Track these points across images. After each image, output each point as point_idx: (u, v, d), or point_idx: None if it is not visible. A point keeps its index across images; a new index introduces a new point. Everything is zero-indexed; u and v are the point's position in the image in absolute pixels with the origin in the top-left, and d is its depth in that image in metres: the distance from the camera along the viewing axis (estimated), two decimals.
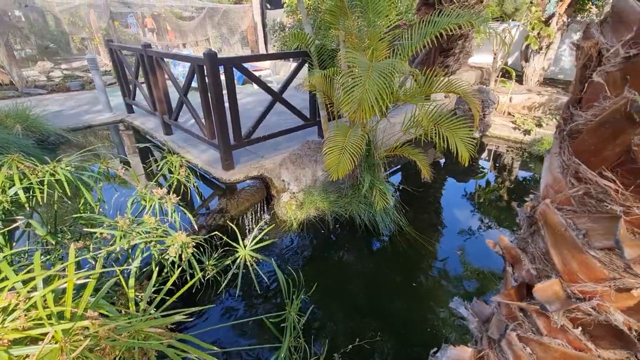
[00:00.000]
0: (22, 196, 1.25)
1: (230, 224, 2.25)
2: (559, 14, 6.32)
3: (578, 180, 0.69)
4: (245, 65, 3.44)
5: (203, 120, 3.61)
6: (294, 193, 3.72)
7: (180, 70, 6.96)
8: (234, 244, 2.02)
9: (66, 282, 0.76)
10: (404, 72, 2.90)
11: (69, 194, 1.34)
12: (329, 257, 3.29)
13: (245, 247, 2.01)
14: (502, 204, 4.42)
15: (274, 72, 9.53)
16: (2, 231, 1.22)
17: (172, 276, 1.27)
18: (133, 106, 5.56)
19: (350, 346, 1.90)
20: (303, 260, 3.20)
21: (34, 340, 0.70)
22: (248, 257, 1.99)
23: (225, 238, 2.03)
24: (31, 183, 1.30)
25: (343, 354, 1.83)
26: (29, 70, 9.26)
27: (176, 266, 1.52)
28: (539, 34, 6.39)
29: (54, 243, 1.35)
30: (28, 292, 0.77)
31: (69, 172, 1.44)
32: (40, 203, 1.30)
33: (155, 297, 1.11)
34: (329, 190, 3.74)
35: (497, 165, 5.54)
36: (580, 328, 0.71)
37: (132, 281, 1.04)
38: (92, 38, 9.62)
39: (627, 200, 0.61)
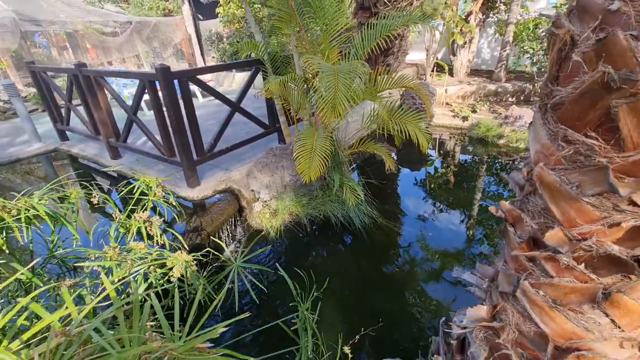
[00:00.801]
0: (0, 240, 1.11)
1: (215, 239, 2.18)
2: (475, 11, 7.11)
3: (567, 142, 0.84)
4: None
5: (159, 139, 3.42)
6: (265, 201, 3.69)
7: (127, 92, 6.47)
8: (225, 259, 1.97)
9: (112, 311, 0.71)
10: (364, 73, 3.06)
11: (52, 228, 1.21)
12: (314, 258, 3.34)
13: (235, 260, 1.98)
14: (453, 185, 4.83)
15: (217, 84, 9.28)
16: None
17: (174, 296, 1.22)
18: (67, 132, 5.03)
19: (357, 337, 1.97)
20: (291, 265, 3.20)
21: None
22: (240, 270, 1.96)
23: (216, 253, 1.97)
24: (5, 222, 1.16)
25: (352, 346, 1.89)
26: None
27: (177, 287, 1.46)
28: (461, 30, 7.12)
29: (40, 284, 1.21)
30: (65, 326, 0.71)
31: (44, 206, 1.30)
32: (21, 242, 1.16)
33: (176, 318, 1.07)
34: (300, 194, 3.78)
35: (445, 151, 6.05)
36: (583, 264, 0.87)
37: (157, 305, 0.99)
38: None
39: (609, 153, 0.77)
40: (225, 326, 1.01)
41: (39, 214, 1.29)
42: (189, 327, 1.02)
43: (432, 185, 4.91)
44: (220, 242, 2.12)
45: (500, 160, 5.47)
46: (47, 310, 0.93)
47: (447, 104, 7.06)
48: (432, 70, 7.59)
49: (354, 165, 5.27)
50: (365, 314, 2.54)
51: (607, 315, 0.88)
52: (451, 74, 7.92)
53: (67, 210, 1.42)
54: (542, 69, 6.25)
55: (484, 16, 7.44)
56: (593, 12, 0.75)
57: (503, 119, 5.84)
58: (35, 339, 0.71)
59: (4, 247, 1.17)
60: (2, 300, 1.07)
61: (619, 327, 0.88)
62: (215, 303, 1.09)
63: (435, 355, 1.35)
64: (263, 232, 3.52)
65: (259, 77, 4.03)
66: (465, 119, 6.35)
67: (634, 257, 0.80)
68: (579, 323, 0.90)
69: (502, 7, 7.29)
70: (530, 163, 0.98)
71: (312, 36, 3.55)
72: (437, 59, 7.60)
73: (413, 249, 3.40)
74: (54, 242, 1.52)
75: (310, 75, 3.67)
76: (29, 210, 1.23)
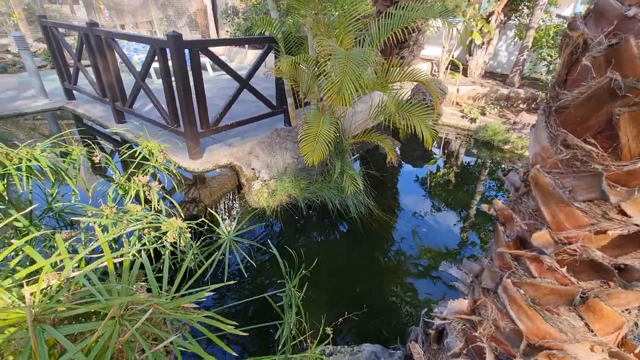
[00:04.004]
0: (0, 185, 1.13)
1: (212, 211, 2.21)
2: (498, 12, 6.95)
3: (566, 147, 0.84)
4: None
5: (165, 107, 3.41)
6: (265, 181, 3.71)
7: (137, 58, 6.42)
8: (218, 231, 2.00)
9: (104, 261, 0.74)
10: (375, 63, 3.03)
11: (53, 181, 1.23)
12: (306, 241, 3.38)
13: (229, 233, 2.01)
14: (453, 186, 4.84)
15: (229, 59, 9.18)
16: None
17: (164, 261, 1.25)
18: (74, 92, 5.01)
19: (340, 319, 2.02)
20: (283, 245, 3.24)
21: (84, 319, 0.68)
22: (232, 243, 1.99)
23: (211, 225, 2.00)
24: (6, 169, 1.18)
25: (335, 327, 1.94)
26: None
27: (169, 252, 1.49)
28: (481, 29, 6.98)
29: (36, 233, 1.24)
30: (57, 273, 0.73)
31: (45, 159, 1.32)
32: (21, 191, 1.18)
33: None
34: (300, 177, 3.79)
35: (449, 151, 6.02)
36: (565, 267, 0.89)
37: (148, 264, 1.02)
38: (10, 13, 8.37)
39: (605, 160, 0.78)
40: (212, 291, 1.04)
41: (40, 166, 1.31)
42: (177, 290, 1.06)
43: (432, 184, 4.92)
44: (217, 215, 2.15)
45: (502, 165, 5.46)
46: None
47: (457, 103, 6.99)
48: (446, 68, 7.48)
49: (356, 155, 5.27)
50: (350, 300, 2.59)
51: (582, 319, 0.90)
52: (465, 73, 7.81)
53: (68, 166, 1.44)
54: None
55: (506, 18, 7.28)
56: (609, 16, 0.74)
57: (511, 125, 5.79)
58: (28, 280, 0.73)
59: (4, 194, 1.19)
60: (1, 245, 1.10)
61: (592, 331, 0.90)
62: (203, 268, 1.11)
63: (412, 342, 1.39)
64: (258, 211, 3.55)
65: (270, 57, 3.99)
66: (473, 120, 6.30)
67: (616, 265, 0.82)
68: (554, 324, 0.93)
69: (525, 11, 7.12)
70: (528, 164, 0.99)
71: (328, 19, 3.50)
72: (452, 57, 7.48)
73: (406, 243, 3.44)
74: (53, 195, 1.55)
75: (322, 59, 3.63)
76: (30, 160, 1.25)
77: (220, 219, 1.99)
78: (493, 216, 1.07)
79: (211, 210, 2.30)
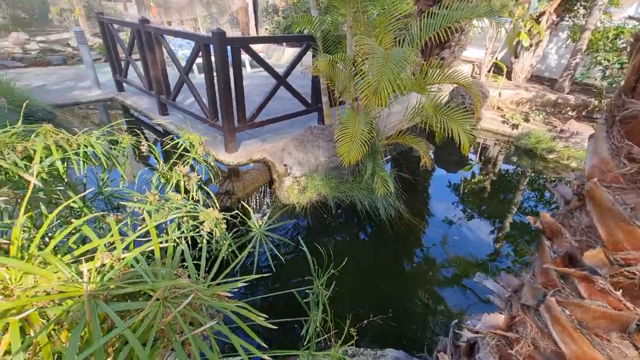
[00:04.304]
0: (60, 167, 1.23)
1: (245, 204, 2.27)
2: (550, 12, 6.53)
3: (630, 160, 0.78)
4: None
5: (206, 101, 3.55)
6: (296, 177, 3.76)
7: (181, 53, 6.73)
8: (250, 224, 2.05)
9: (151, 246, 0.78)
10: (415, 63, 2.95)
11: (105, 167, 1.33)
12: (334, 240, 3.39)
13: (260, 227, 2.05)
14: (488, 194, 4.63)
15: (267, 56, 9.36)
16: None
17: (202, 249, 1.30)
18: (124, 84, 5.35)
19: (365, 321, 2.00)
20: (311, 242, 3.27)
21: (130, 298, 0.73)
22: (263, 237, 2.03)
23: (244, 217, 2.06)
24: (67, 153, 1.28)
25: (358, 329, 1.93)
26: (3, 41, 8.65)
27: (206, 242, 1.55)
28: (529, 30, 6.59)
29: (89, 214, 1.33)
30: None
31: (100, 146, 1.42)
32: (77, 174, 1.28)
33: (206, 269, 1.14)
34: (331, 176, 3.80)
35: (486, 157, 5.76)
36: (620, 291, 0.82)
37: (187, 251, 1.07)
38: (72, 9, 9.07)
39: None
40: (245, 282, 1.07)
41: (95, 152, 1.41)
42: (212, 278, 1.10)
43: (466, 191, 4.73)
44: (249, 208, 2.20)
45: (545, 175, 5.14)
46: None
47: (498, 108, 6.66)
48: (489, 71, 7.15)
49: (388, 157, 5.19)
50: (376, 302, 2.56)
51: (636, 348, 0.83)
52: (509, 77, 7.42)
53: (118, 153, 1.54)
54: (614, 84, 5.67)
55: (558, 18, 6.82)
56: None
57: (558, 133, 5.43)
58: (83, 257, 0.79)
59: (64, 176, 1.30)
60: (57, 222, 1.20)
61: None
62: (237, 261, 1.15)
63: (440, 353, 1.35)
64: (289, 207, 3.60)
65: (307, 55, 4.02)
66: (515, 126, 5.98)
67: None
68: (603, 350, 0.86)
69: (581, 11, 6.63)
70: (583, 177, 0.92)
71: (368, 18, 3.46)
72: (496, 59, 7.13)
73: (435, 249, 3.35)
74: (104, 180, 1.66)
75: (359, 59, 3.60)
76: (87, 147, 1.35)
77: (252, 212, 2.04)
78: (539, 229, 1.01)
79: (244, 203, 2.37)
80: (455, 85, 3.41)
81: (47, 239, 1.12)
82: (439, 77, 3.26)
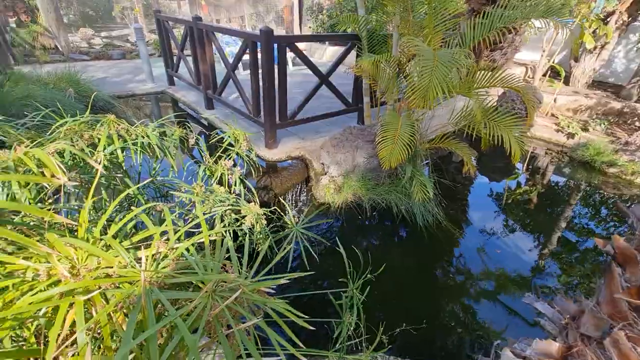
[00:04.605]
0: (120, 155, 1.32)
1: (282, 200, 2.29)
2: (620, 12, 5.94)
3: None
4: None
5: (249, 97, 3.65)
6: (332, 177, 3.75)
7: (228, 50, 7.00)
8: (286, 220, 2.07)
9: (201, 237, 0.81)
10: (466, 66, 2.82)
11: (158, 156, 1.41)
12: (368, 242, 3.34)
13: (296, 224, 2.06)
14: (534, 207, 4.32)
15: (308, 54, 9.44)
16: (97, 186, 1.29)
17: (245, 244, 1.33)
18: (174, 78, 5.65)
19: (398, 330, 1.95)
20: (345, 243, 3.26)
21: (179, 288, 0.76)
22: (299, 234, 2.04)
23: (282, 214, 2.09)
24: (126, 143, 1.37)
25: (390, 337, 1.89)
26: (71, 36, 9.50)
27: (247, 235, 1.59)
28: (594, 32, 6.04)
29: (142, 201, 1.42)
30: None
31: (155, 137, 1.50)
32: (134, 163, 1.37)
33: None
34: (368, 177, 3.75)
35: (535, 167, 5.38)
36: None
37: (231, 245, 1.09)
38: (132, 7, 9.74)
39: None
40: (272, 277, 1.08)
41: (150, 143, 1.49)
42: (254, 274, 1.12)
43: (509, 201, 4.45)
44: (286, 204, 2.23)
45: (603, 191, 4.69)
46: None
47: (552, 115, 6.19)
48: (544, 75, 6.66)
49: (427, 161, 5.02)
50: (409, 311, 2.49)
51: None
52: (567, 82, 6.86)
53: (170, 144, 1.63)
54: None
55: (630, 19, 6.17)
56: None
57: (622, 145, 4.94)
58: (140, 244, 0.84)
59: (123, 164, 1.39)
60: (117, 208, 1.30)
61: None
62: (279, 257, 1.16)
63: None
64: (324, 206, 3.61)
65: (349, 54, 3.98)
66: (571, 135, 5.52)
67: None
68: None
69: None
70: None
71: (416, 18, 3.35)
72: (553, 61, 6.62)
73: (473, 261, 3.19)
74: (156, 169, 1.76)
75: (404, 59, 3.51)
76: (143, 137, 1.43)
77: (288, 209, 2.06)
78: (608, 254, 0.91)
79: (281, 200, 2.40)
80: (504, 89, 3.21)
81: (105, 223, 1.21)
82: (489, 80, 3.08)
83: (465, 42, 3.04)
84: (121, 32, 10.22)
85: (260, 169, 3.35)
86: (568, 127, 5.55)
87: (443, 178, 4.08)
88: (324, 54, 9.20)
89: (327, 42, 9.29)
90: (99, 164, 1.04)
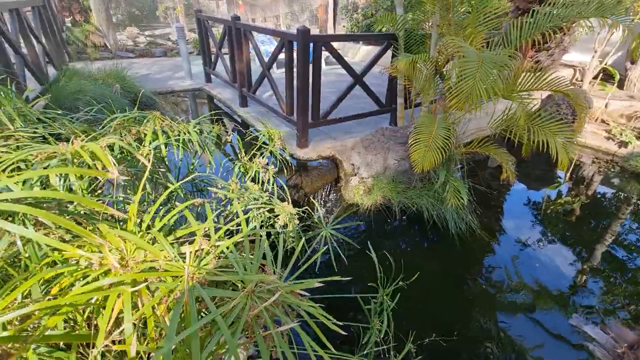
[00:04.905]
0: (164, 150, 1.38)
1: (312, 199, 2.30)
2: None
3: None
4: None
5: (283, 96, 3.68)
6: (362, 178, 3.71)
7: (263, 49, 7.14)
8: (316, 220, 2.07)
9: (242, 236, 0.83)
10: (511, 68, 2.68)
11: (199, 152, 1.46)
12: (397, 247, 3.28)
13: (326, 225, 2.05)
14: (576, 218, 4.03)
15: (342, 54, 9.40)
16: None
17: (279, 244, 1.34)
18: (212, 76, 5.83)
19: (427, 340, 1.89)
20: (374, 246, 3.22)
21: (219, 286, 0.78)
22: (328, 235, 2.03)
23: (312, 213, 2.09)
24: (169, 139, 1.42)
25: (419, 346, 1.83)
26: (119, 34, 10.09)
27: (280, 234, 1.60)
28: None
29: (182, 195, 1.48)
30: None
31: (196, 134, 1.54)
32: (176, 158, 1.43)
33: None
34: (398, 180, 3.67)
35: (579, 176, 5.02)
36: None
37: (267, 246, 1.10)
38: (175, 7, 10.17)
39: None
40: (297, 278, 1.07)
41: (191, 139, 1.55)
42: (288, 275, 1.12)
43: (549, 211, 4.18)
44: (316, 204, 2.23)
45: None
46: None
47: (602, 121, 5.74)
48: (595, 77, 6.19)
49: (461, 165, 4.83)
50: (438, 320, 2.41)
51: None
52: (621, 85, 6.33)
53: (208, 141, 1.67)
54: None
55: None
56: None
57: None
58: (182, 240, 0.87)
59: (165, 159, 1.45)
60: (162, 203, 1.35)
61: None
62: (313, 259, 1.16)
63: None
64: (353, 207, 3.57)
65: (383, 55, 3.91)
66: (623, 144, 5.10)
67: None
68: None
69: None
70: None
71: (457, 17, 3.23)
72: (605, 64, 6.14)
73: (507, 273, 3.03)
74: (194, 165, 1.82)
75: (442, 60, 3.39)
76: (184, 134, 1.49)
77: (318, 208, 2.06)
78: None
79: (312, 199, 2.40)
80: (550, 92, 3.02)
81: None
82: (534, 82, 2.91)
83: (511, 42, 2.88)
84: (163, 30, 10.72)
85: (293, 168, 3.38)
86: (621, 134, 5.13)
87: (478, 184, 3.91)
88: (357, 53, 9.12)
89: (360, 42, 9.21)
90: (147, 159, 1.09)
